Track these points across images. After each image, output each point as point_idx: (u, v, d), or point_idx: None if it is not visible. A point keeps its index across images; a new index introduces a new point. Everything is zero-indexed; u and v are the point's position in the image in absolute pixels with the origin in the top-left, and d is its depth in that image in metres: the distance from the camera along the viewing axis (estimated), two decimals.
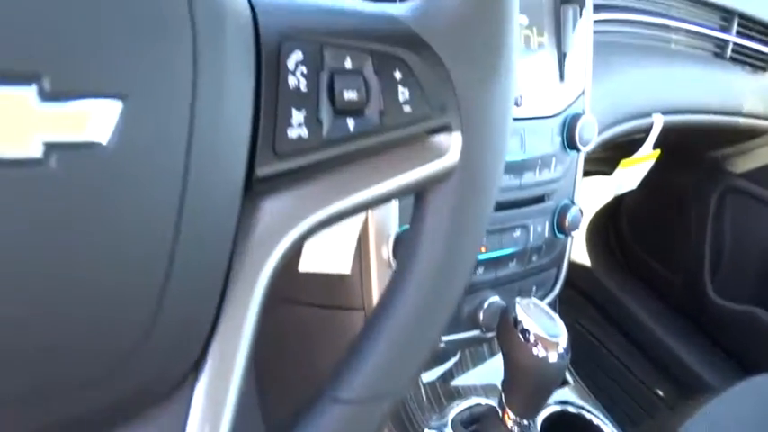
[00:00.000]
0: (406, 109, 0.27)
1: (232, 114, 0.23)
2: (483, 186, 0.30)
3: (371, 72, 0.26)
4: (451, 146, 0.29)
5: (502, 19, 0.29)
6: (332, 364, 0.31)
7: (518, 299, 0.51)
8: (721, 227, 1.16)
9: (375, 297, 0.53)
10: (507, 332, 0.50)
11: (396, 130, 0.27)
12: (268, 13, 0.25)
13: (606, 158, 0.97)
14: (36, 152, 0.19)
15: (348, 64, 0.26)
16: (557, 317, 0.51)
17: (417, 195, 0.30)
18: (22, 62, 0.18)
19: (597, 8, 0.74)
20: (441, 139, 0.28)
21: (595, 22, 0.71)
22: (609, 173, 1.08)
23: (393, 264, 0.53)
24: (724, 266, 1.18)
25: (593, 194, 1.08)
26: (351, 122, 0.26)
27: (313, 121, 0.25)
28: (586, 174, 0.71)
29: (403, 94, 0.27)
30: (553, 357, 0.49)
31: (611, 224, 1.31)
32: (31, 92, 0.18)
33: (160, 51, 0.21)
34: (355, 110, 0.26)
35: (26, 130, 0.18)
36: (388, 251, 0.52)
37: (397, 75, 0.27)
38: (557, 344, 0.49)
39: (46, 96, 0.19)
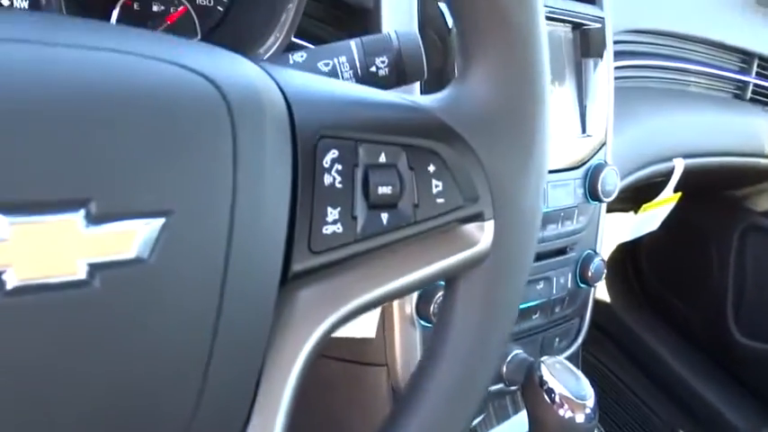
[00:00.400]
0: (440, 200, 0.27)
1: (270, 215, 0.24)
2: (514, 273, 0.30)
3: (405, 166, 0.27)
4: (483, 234, 0.29)
5: (535, 106, 0.29)
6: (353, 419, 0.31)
7: (543, 358, 0.50)
8: (743, 265, 1.15)
9: (398, 354, 0.53)
10: (533, 392, 0.49)
11: (428, 222, 0.27)
12: (303, 109, 0.25)
13: (626, 198, 0.97)
14: (81, 274, 0.19)
15: (383, 158, 0.26)
16: (583, 376, 0.50)
17: (448, 281, 0.30)
18: (70, 190, 0.19)
19: (617, 55, 0.75)
20: (472, 227, 0.28)
21: (616, 68, 0.71)
22: (629, 210, 1.07)
23: (416, 321, 0.52)
24: (747, 305, 1.16)
25: (614, 232, 1.08)
26: (384, 216, 0.26)
27: (348, 218, 0.25)
28: (607, 211, 0.70)
29: (437, 186, 0.27)
30: (580, 418, 0.48)
31: (631, 260, 1.30)
32: (78, 217, 0.19)
33: (202, 161, 0.21)
34: (389, 204, 0.26)
35: (72, 254, 0.19)
36: (411, 308, 0.52)
37: (431, 168, 0.27)
38: (584, 405, 0.48)
39: (92, 220, 0.19)
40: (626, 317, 1.31)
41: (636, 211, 0.93)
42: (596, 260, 0.64)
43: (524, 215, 0.29)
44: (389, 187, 0.26)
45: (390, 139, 0.26)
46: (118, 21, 0.43)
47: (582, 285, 0.65)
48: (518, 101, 0.28)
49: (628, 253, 1.30)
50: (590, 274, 0.64)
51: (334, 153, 0.25)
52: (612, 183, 0.64)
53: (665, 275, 1.27)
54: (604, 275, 0.67)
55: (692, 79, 0.90)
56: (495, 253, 0.29)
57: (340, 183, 0.25)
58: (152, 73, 0.21)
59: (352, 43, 0.36)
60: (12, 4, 0.40)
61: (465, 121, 0.28)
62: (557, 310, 0.63)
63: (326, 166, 0.25)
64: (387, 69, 0.36)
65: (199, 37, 0.46)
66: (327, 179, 0.25)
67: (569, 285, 0.64)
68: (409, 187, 0.27)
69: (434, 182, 0.27)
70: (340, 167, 0.25)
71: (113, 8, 0.43)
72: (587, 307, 0.67)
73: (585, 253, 0.65)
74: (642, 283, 1.31)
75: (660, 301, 1.28)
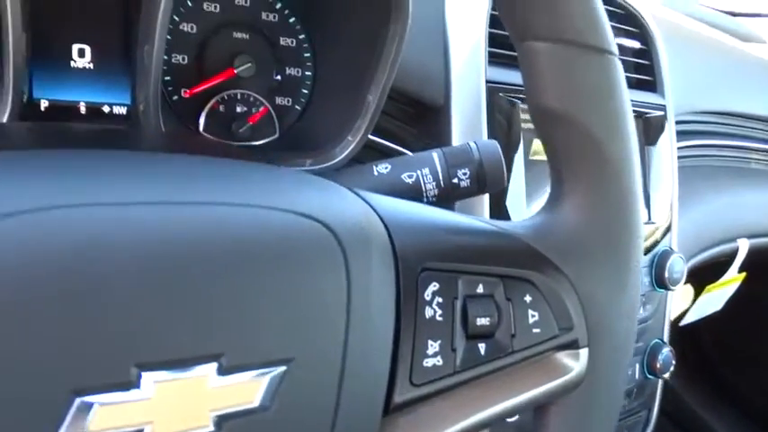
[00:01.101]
0: (536, 330, 0.27)
1: (377, 351, 0.24)
2: (608, 399, 0.29)
3: (503, 297, 0.27)
4: (577, 361, 0.28)
5: (628, 233, 0.29)
6: None
7: None
8: None
9: None
10: None
11: (524, 351, 0.27)
12: (404, 241, 0.26)
13: (689, 275, 0.95)
14: (209, 426, 0.20)
15: (480, 289, 0.27)
16: None
17: (539, 406, 0.30)
18: (206, 345, 0.19)
19: (679, 135, 0.74)
20: (566, 354, 0.28)
21: (678, 148, 0.71)
22: (688, 282, 1.04)
23: None
24: None
25: (675, 305, 1.05)
26: (482, 347, 0.26)
27: (448, 350, 0.26)
28: None
29: (533, 316, 0.27)
30: None
31: (690, 336, 1.26)
32: (211, 369, 0.20)
33: (319, 305, 0.22)
34: (487, 334, 0.26)
35: (203, 407, 0.19)
36: None
37: (528, 298, 0.27)
38: None
39: (222, 372, 0.20)
40: (684, 394, 1.25)
41: (698, 290, 0.91)
42: (665, 350, 0.62)
43: (618, 341, 0.29)
44: (487, 318, 0.26)
45: (487, 269, 0.27)
46: (206, 123, 0.45)
47: (650, 377, 0.63)
48: (611, 228, 0.29)
49: (688, 330, 1.25)
50: (658, 365, 0.62)
51: (435, 286, 0.26)
52: (679, 270, 0.63)
53: (727, 354, 1.22)
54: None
55: (754, 156, 0.88)
56: (589, 380, 0.28)
57: (440, 315, 0.26)
58: (271, 225, 0.22)
59: (435, 155, 0.37)
60: (111, 110, 0.43)
61: (558, 248, 0.28)
62: (624, 403, 0.61)
63: (428, 299, 0.26)
64: (468, 181, 0.37)
65: (277, 135, 0.48)
66: (429, 312, 0.26)
67: (637, 377, 0.62)
68: (506, 318, 0.27)
69: (531, 312, 0.27)
70: (440, 300, 0.26)
71: (202, 111, 0.45)
72: (655, 399, 0.65)
73: (653, 342, 0.63)
74: (702, 360, 1.26)
75: (722, 380, 1.23)
